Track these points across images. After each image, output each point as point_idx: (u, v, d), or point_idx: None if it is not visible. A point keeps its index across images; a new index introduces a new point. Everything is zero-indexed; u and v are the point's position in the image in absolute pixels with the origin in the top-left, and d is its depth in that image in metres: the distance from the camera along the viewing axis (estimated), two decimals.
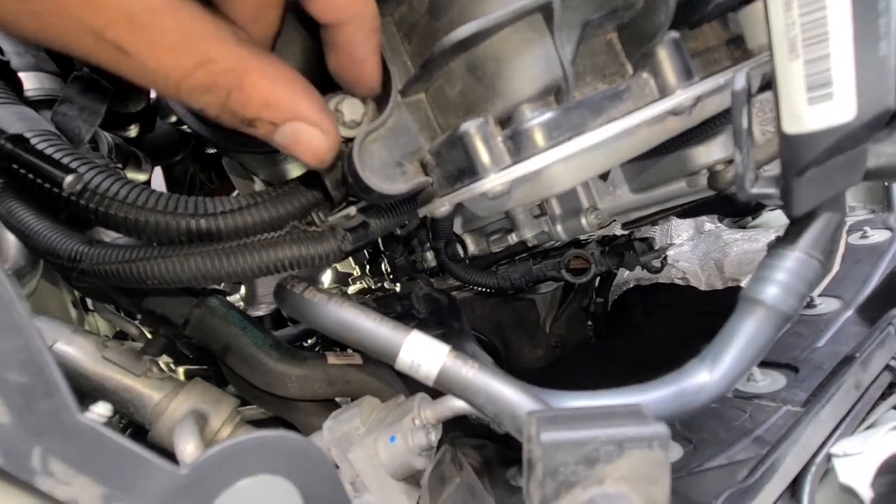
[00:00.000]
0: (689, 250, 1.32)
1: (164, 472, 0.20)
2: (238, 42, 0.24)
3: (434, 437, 0.44)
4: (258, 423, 0.60)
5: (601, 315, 1.14)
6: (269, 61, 0.25)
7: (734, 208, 0.67)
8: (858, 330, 0.73)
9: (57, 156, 0.39)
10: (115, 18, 0.21)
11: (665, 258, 0.80)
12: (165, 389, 0.50)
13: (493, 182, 0.27)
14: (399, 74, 0.31)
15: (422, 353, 0.32)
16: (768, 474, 0.41)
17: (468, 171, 0.29)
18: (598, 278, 1.08)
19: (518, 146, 0.27)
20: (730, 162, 0.53)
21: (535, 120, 0.27)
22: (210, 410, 0.50)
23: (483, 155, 0.27)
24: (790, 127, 0.26)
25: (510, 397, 0.30)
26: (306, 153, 0.26)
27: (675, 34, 0.29)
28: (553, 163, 0.27)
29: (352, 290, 1.25)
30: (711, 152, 0.53)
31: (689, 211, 0.66)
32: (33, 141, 0.40)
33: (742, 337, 0.30)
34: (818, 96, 0.25)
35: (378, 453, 0.42)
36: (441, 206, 0.33)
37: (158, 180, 1.04)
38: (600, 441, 0.22)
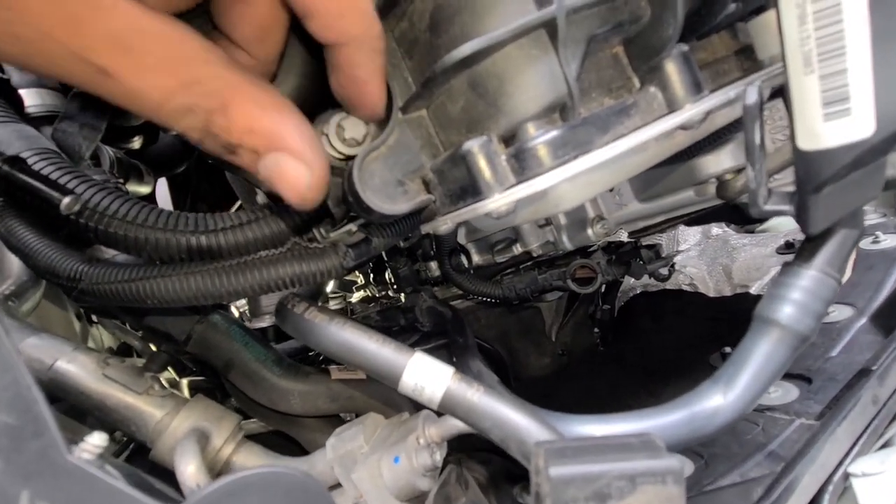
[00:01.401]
0: (697, 255, 1.30)
1: None
2: (227, 65, 0.23)
3: (439, 456, 0.43)
4: (260, 437, 0.59)
5: (607, 322, 1.13)
6: (258, 85, 0.24)
7: (743, 216, 0.66)
8: (873, 339, 0.72)
9: (55, 175, 0.39)
10: (98, 40, 0.20)
11: (672, 266, 0.79)
12: (167, 407, 0.49)
13: (497, 202, 0.26)
14: (400, 91, 0.30)
15: (425, 375, 0.31)
16: (785, 495, 0.40)
17: (471, 190, 0.28)
18: (604, 285, 1.06)
19: (522, 165, 0.26)
20: (739, 171, 0.52)
21: (540, 138, 0.26)
22: (212, 429, 0.49)
23: (486, 174, 0.27)
24: (805, 143, 0.25)
25: (517, 422, 0.29)
26: (288, 189, 0.24)
27: (683, 47, 0.28)
28: (559, 182, 0.26)
29: (355, 297, 1.25)
30: (720, 161, 0.52)
31: (697, 219, 0.65)
32: (32, 160, 0.40)
33: (757, 358, 0.29)
34: (835, 112, 0.24)
35: (382, 474, 0.41)
36: (444, 224, 0.32)
37: (163, 191, 1.04)
38: (612, 476, 0.21)
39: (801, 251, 0.30)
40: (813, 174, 0.25)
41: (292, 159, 0.24)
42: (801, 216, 0.27)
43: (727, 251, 1.22)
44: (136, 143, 0.77)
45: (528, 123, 0.27)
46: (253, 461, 0.50)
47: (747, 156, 0.28)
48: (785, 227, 1.19)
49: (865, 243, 0.83)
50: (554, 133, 0.26)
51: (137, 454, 0.61)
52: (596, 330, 1.14)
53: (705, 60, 0.34)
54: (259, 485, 0.21)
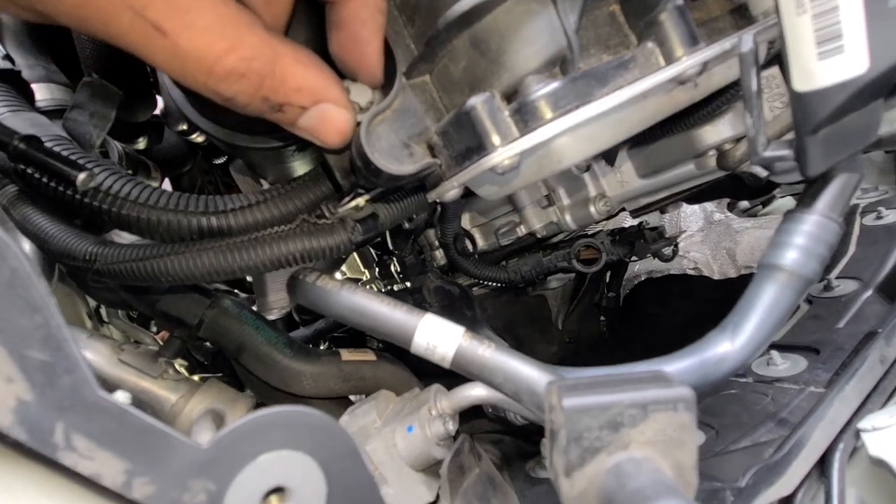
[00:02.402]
0: (700, 241, 1.31)
1: (186, 447, 0.20)
2: (265, 28, 0.24)
3: (452, 426, 0.43)
4: None
5: (613, 309, 1.13)
6: (296, 46, 0.26)
7: (744, 190, 0.67)
8: (879, 309, 0.72)
9: (71, 158, 0.40)
10: None
11: (676, 246, 0.79)
12: (182, 391, 0.50)
13: (501, 156, 0.27)
14: (403, 56, 0.31)
15: (437, 335, 0.32)
16: (795, 451, 0.40)
17: (476, 147, 0.29)
18: (609, 272, 1.07)
19: (525, 118, 0.27)
20: (738, 140, 0.52)
21: (542, 91, 0.26)
22: (226, 410, 0.50)
23: (490, 129, 0.27)
24: (801, 84, 0.26)
25: (528, 374, 0.29)
26: (331, 132, 0.27)
27: (678, 1, 0.29)
28: (561, 133, 0.27)
29: None
30: (719, 131, 0.52)
31: (699, 195, 0.66)
32: (48, 145, 0.41)
33: (763, 303, 0.29)
34: (828, 50, 0.24)
35: (396, 444, 0.42)
36: (450, 189, 0.33)
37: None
38: (624, 405, 0.21)
39: (802, 198, 0.30)
40: (810, 115, 0.26)
41: (335, 107, 0.26)
42: (800, 159, 0.27)
43: (730, 235, 1.22)
44: (141, 143, 0.78)
45: (529, 78, 0.27)
46: None
47: (745, 103, 0.28)
48: (787, 209, 1.20)
49: (869, 219, 0.83)
50: (555, 85, 0.27)
51: None
52: (602, 317, 1.14)
53: (700, 20, 0.35)
54: (281, 424, 0.21)
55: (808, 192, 0.30)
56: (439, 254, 0.86)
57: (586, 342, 1.11)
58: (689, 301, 1.01)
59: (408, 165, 0.31)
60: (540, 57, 0.27)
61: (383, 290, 1.15)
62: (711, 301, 0.96)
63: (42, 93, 0.51)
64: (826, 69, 0.25)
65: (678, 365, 0.30)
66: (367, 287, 1.22)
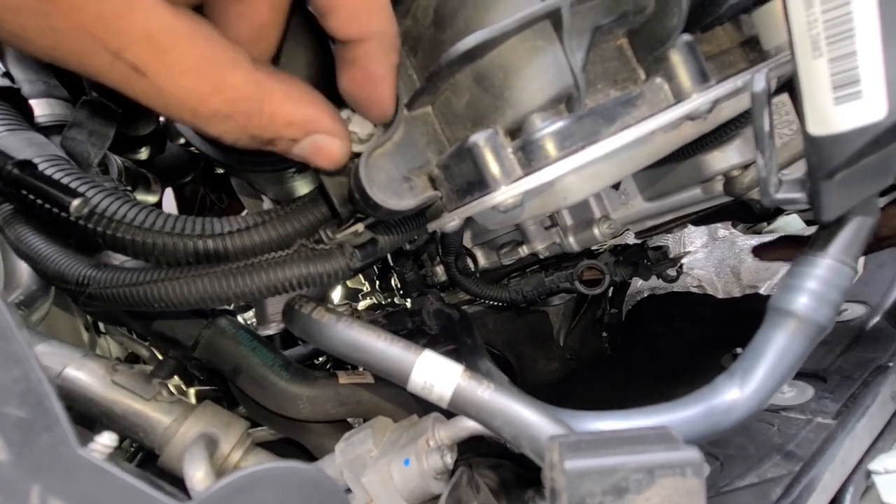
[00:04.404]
0: (704, 258, 1.29)
1: None
2: (253, 64, 0.23)
3: (450, 459, 0.42)
4: (268, 445, 0.59)
5: (615, 326, 1.12)
6: (285, 80, 0.25)
7: (751, 214, 0.66)
8: (887, 336, 0.70)
9: (65, 180, 0.39)
10: (134, 38, 0.20)
11: (681, 266, 0.78)
12: (175, 413, 0.49)
13: (504, 195, 0.26)
14: (405, 88, 0.30)
15: (435, 373, 0.31)
16: (805, 494, 0.39)
17: (478, 184, 0.28)
18: (612, 288, 1.06)
19: (529, 157, 0.26)
20: (746, 167, 0.51)
21: (547, 129, 0.26)
22: (220, 434, 0.49)
23: (493, 167, 0.26)
24: (816, 129, 0.25)
25: (529, 419, 0.28)
26: (324, 160, 0.27)
27: (688, 37, 0.28)
28: (566, 173, 0.26)
29: (362, 305, 1.24)
30: (727, 157, 0.51)
31: (704, 218, 0.65)
32: (42, 166, 0.40)
33: (773, 350, 0.28)
34: (845, 95, 0.23)
35: (392, 477, 0.41)
36: (451, 221, 0.32)
37: (169, 201, 1.05)
38: (629, 469, 0.20)
39: (814, 240, 0.29)
40: (825, 160, 0.25)
41: (326, 136, 0.26)
42: (813, 203, 0.26)
43: (734, 252, 1.21)
44: (143, 153, 0.78)
45: (534, 115, 0.27)
46: None
47: (757, 144, 0.27)
48: (793, 227, 1.18)
49: None
50: (560, 124, 0.26)
51: (146, 463, 0.61)
52: (604, 333, 1.13)
53: (710, 53, 0.34)
54: (270, 480, 0.20)
55: (821, 234, 0.29)
56: (440, 269, 0.86)
57: (587, 359, 1.10)
58: (692, 321, 1.00)
59: (407, 200, 0.30)
60: (545, 94, 0.26)
61: (383, 301, 1.14)
62: (715, 322, 0.95)
63: (42, 108, 0.51)
64: (842, 114, 0.24)
65: (686, 412, 0.29)
66: (368, 298, 1.21)
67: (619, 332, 1.10)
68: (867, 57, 0.23)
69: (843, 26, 0.23)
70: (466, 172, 0.28)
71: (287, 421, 0.54)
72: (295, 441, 0.57)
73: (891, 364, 0.51)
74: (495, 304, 0.83)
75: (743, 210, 0.60)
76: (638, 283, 1.46)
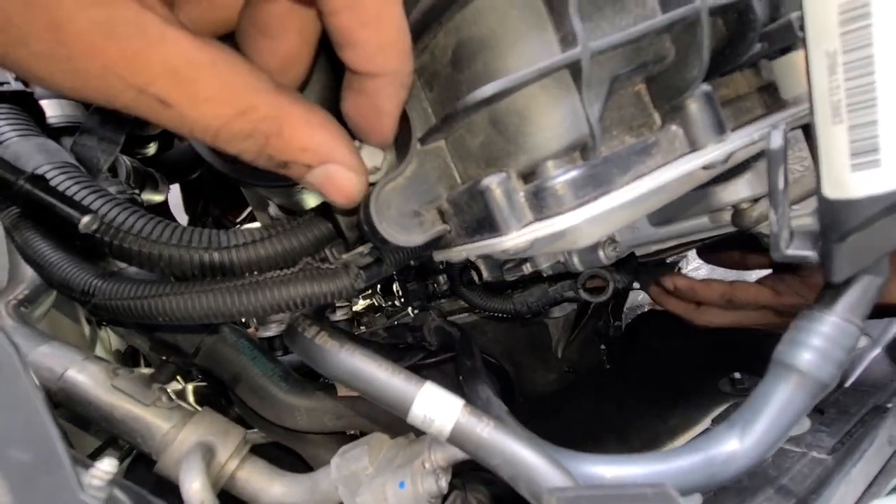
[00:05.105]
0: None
1: None
2: (276, 89, 0.24)
3: (444, 482, 0.42)
4: (263, 448, 0.59)
5: (615, 339, 1.12)
6: (306, 106, 0.25)
7: (758, 246, 0.65)
8: (887, 370, 0.70)
9: (73, 189, 0.40)
10: (158, 73, 0.20)
11: (679, 271, 0.78)
12: (174, 420, 0.49)
13: (514, 241, 0.26)
14: (419, 122, 0.30)
15: (435, 407, 0.31)
16: None
17: (488, 225, 0.28)
18: (613, 301, 1.05)
19: (541, 204, 0.26)
20: (756, 200, 0.51)
21: (560, 178, 0.25)
22: (217, 443, 0.49)
23: (505, 212, 0.26)
24: (832, 192, 0.25)
25: (528, 461, 0.28)
26: (338, 194, 0.27)
27: (707, 87, 0.28)
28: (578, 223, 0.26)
29: (360, 305, 1.24)
30: (737, 190, 0.51)
31: (711, 246, 0.64)
32: (52, 174, 0.40)
33: (775, 404, 0.28)
34: (863, 163, 0.23)
35: (387, 499, 0.41)
36: (458, 255, 0.32)
37: (177, 195, 1.05)
38: None
39: (822, 295, 0.29)
40: (839, 223, 0.25)
41: (341, 168, 0.26)
42: (824, 263, 0.26)
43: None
44: (152, 148, 0.78)
45: (548, 161, 0.26)
46: (257, 477, 0.50)
47: (770, 199, 0.27)
48: None
49: None
50: (574, 173, 0.26)
51: (137, 462, 0.61)
52: (602, 346, 1.13)
53: (727, 97, 0.34)
54: None
55: (829, 291, 0.29)
56: (443, 278, 0.86)
57: (586, 371, 1.10)
58: (690, 340, 1.00)
59: (416, 236, 0.30)
60: (560, 143, 0.26)
61: (384, 305, 1.14)
62: (713, 342, 0.95)
63: (53, 109, 0.51)
64: (859, 181, 0.24)
65: (684, 462, 0.29)
66: (368, 299, 1.21)
67: (618, 345, 1.10)
68: (888, 127, 0.22)
69: (865, 95, 0.22)
70: (477, 213, 0.28)
71: (284, 430, 0.54)
72: (290, 448, 0.58)
73: (889, 405, 0.51)
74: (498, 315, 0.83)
75: (751, 241, 0.59)
76: (639, 297, 1.46)
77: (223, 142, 0.23)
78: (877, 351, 0.71)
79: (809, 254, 0.27)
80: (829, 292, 0.29)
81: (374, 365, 0.33)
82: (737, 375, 0.78)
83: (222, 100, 0.22)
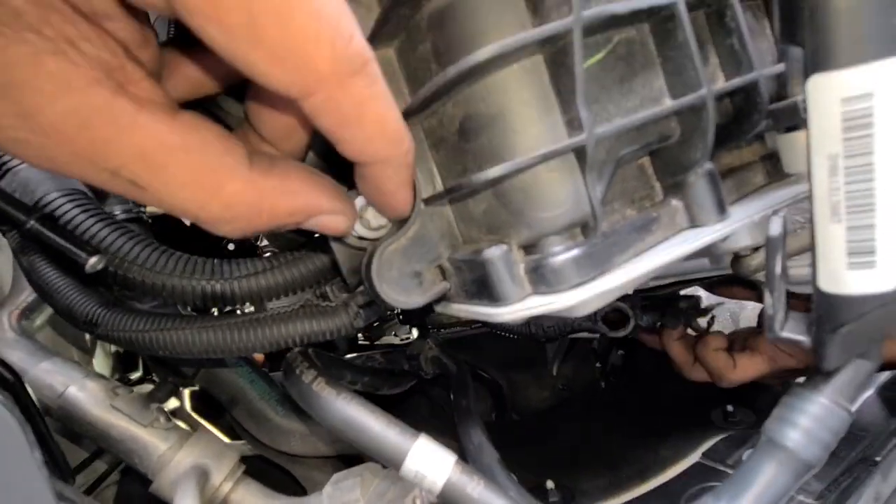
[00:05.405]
0: (704, 298, 1.29)
1: None
2: (250, 166, 0.24)
3: None
4: (253, 461, 0.60)
5: (609, 358, 1.12)
6: (282, 175, 0.25)
7: (756, 290, 0.66)
8: (878, 413, 0.71)
9: (80, 218, 0.40)
10: (129, 157, 0.21)
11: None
12: (171, 441, 0.50)
13: (512, 314, 0.27)
14: (424, 183, 0.30)
15: (427, 463, 0.31)
16: None
17: (488, 294, 0.28)
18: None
19: (541, 279, 0.27)
20: (756, 249, 0.51)
21: (560, 257, 0.26)
22: (212, 466, 0.50)
23: (505, 285, 0.27)
24: (827, 286, 0.25)
25: None
26: (330, 232, 0.29)
27: (710, 166, 0.28)
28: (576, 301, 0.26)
29: None
30: (737, 239, 0.51)
31: (710, 285, 0.65)
32: (59, 202, 0.40)
33: (761, 480, 0.29)
34: (859, 263, 0.24)
35: None
36: (458, 312, 0.33)
37: None
38: None
39: (811, 376, 0.30)
40: (832, 315, 0.25)
41: (330, 216, 0.27)
42: (817, 350, 0.27)
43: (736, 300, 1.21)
44: None
45: (549, 237, 0.27)
46: (250, 500, 0.51)
47: (767, 283, 0.27)
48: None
49: None
50: (574, 252, 0.26)
51: (126, 475, 0.62)
52: (598, 364, 1.13)
53: (730, 165, 0.34)
54: None
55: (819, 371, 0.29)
56: None
57: (580, 389, 1.11)
58: None
59: (416, 297, 0.30)
60: (562, 221, 0.26)
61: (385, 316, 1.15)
62: None
63: None
64: (855, 279, 0.24)
65: None
66: None
67: (617, 371, 1.11)
68: (885, 231, 0.23)
69: (864, 199, 0.23)
70: (477, 280, 0.29)
71: (280, 454, 0.55)
72: (285, 469, 0.58)
73: (878, 458, 0.52)
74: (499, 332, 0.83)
75: (749, 283, 0.60)
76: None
77: (206, 224, 0.24)
78: (869, 392, 0.71)
79: (803, 339, 0.27)
80: (819, 373, 0.29)
81: (370, 416, 0.33)
82: (729, 408, 0.79)
83: (196, 185, 0.22)
